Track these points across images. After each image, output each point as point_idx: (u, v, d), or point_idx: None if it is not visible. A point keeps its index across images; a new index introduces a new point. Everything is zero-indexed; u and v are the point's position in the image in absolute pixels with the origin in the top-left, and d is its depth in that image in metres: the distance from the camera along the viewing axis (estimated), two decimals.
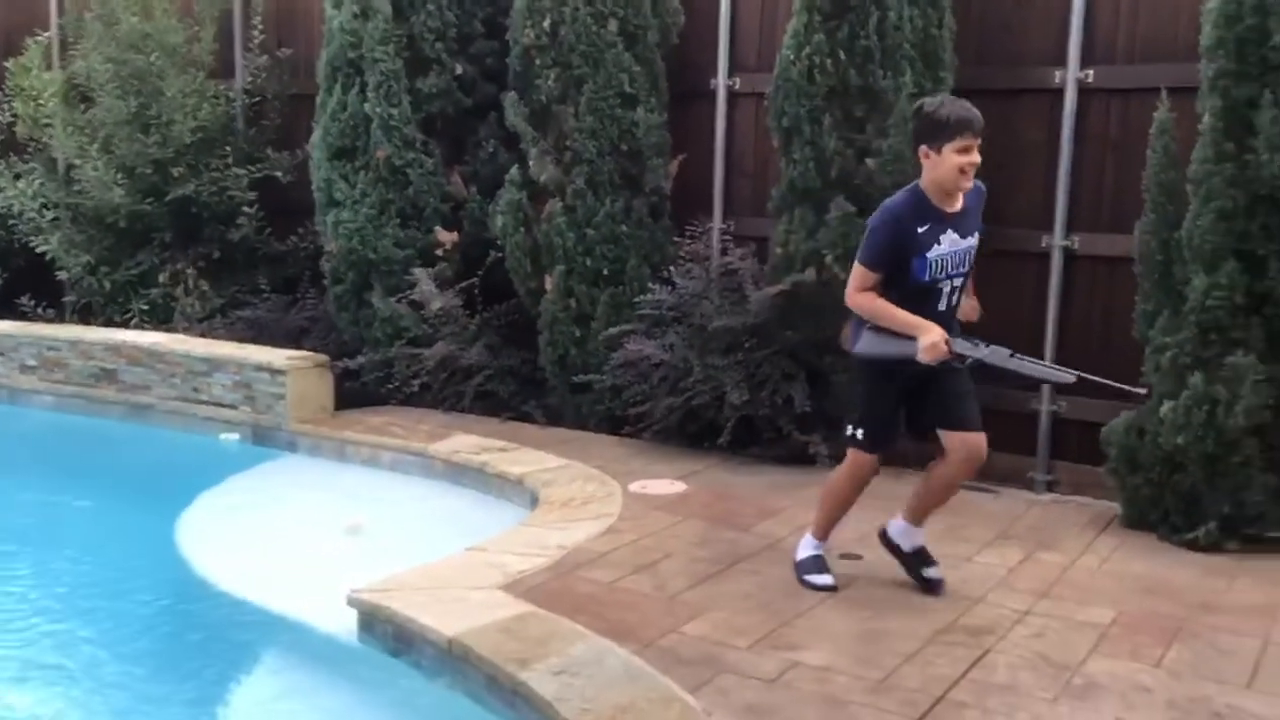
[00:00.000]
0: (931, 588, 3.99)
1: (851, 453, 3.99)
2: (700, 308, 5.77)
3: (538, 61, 6.14)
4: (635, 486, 5.21)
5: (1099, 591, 4.01)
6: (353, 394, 6.63)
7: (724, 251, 6.09)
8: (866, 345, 3.82)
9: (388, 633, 3.72)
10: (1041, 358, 5.56)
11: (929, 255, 3.70)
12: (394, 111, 6.50)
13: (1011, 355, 3.70)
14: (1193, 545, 4.40)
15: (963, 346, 3.70)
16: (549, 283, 6.25)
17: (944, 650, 3.53)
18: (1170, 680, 3.32)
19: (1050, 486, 5.60)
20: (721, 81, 6.31)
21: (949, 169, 3.65)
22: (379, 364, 6.63)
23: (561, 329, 6.22)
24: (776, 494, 5.13)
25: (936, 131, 3.66)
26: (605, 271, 6.12)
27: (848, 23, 5.27)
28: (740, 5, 6.25)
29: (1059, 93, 5.42)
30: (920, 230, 3.68)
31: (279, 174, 7.60)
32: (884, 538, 4.13)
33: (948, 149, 3.63)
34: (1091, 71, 5.34)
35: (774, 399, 5.48)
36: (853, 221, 5.30)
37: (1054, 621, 3.74)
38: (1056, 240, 5.49)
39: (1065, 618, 3.77)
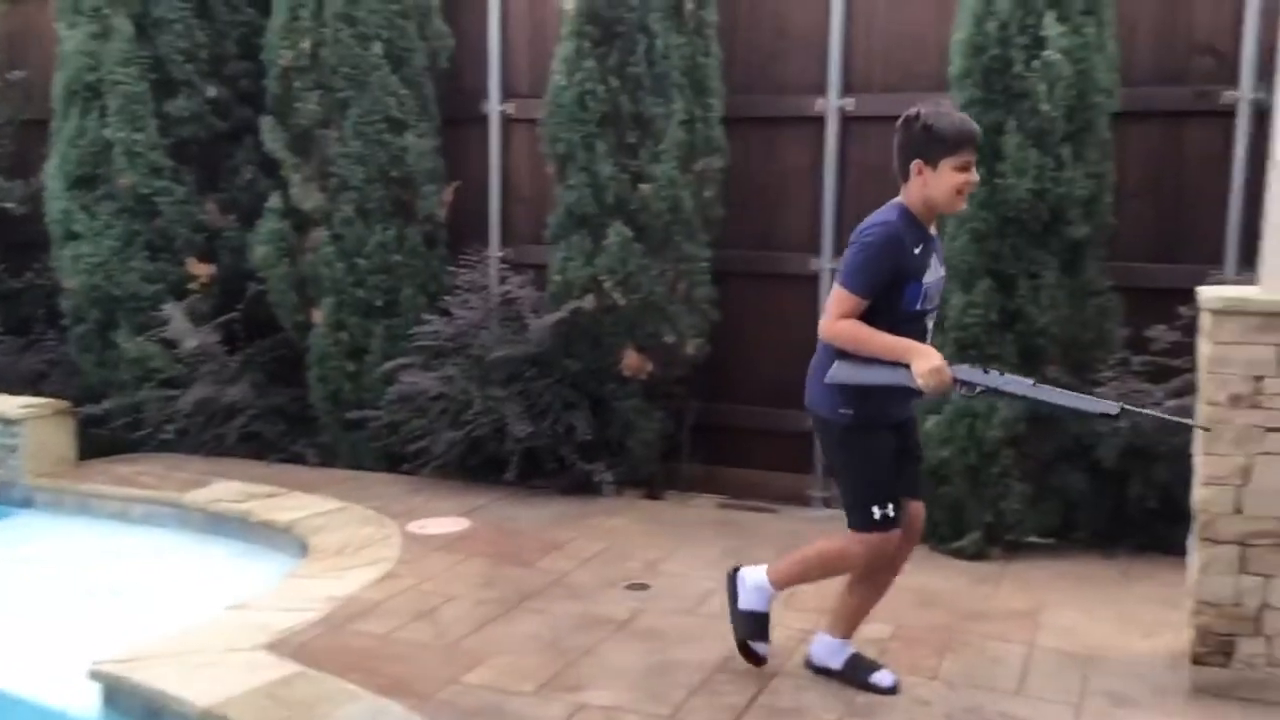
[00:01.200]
0: (889, 691, 3.40)
1: (866, 538, 3.28)
2: (479, 338, 5.61)
3: (297, 84, 5.85)
4: (415, 527, 4.98)
5: (877, 606, 4.07)
6: (99, 442, 6.09)
7: (503, 280, 5.96)
8: (842, 373, 3.18)
9: (135, 707, 3.37)
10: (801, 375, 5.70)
11: (924, 281, 3.20)
12: (138, 137, 6.04)
13: (1035, 384, 3.15)
14: (960, 554, 4.57)
15: (968, 373, 3.14)
16: (318, 316, 5.95)
17: (732, 678, 3.50)
18: (947, 691, 3.39)
19: (827, 503, 5.72)
20: (494, 107, 6.19)
21: (945, 188, 3.17)
22: (128, 408, 6.13)
23: (333, 364, 5.93)
24: (562, 526, 5.02)
25: (934, 145, 3.16)
26: (379, 303, 5.87)
27: (616, 50, 5.26)
28: (510, 30, 6.16)
29: (821, 120, 5.59)
30: (916, 252, 3.18)
31: (11, 205, 6.94)
32: (811, 666, 3.55)
33: (945, 165, 3.15)
34: (852, 100, 5.53)
35: (556, 428, 5.38)
36: (630, 247, 5.28)
37: None
38: (825, 264, 5.64)
39: None
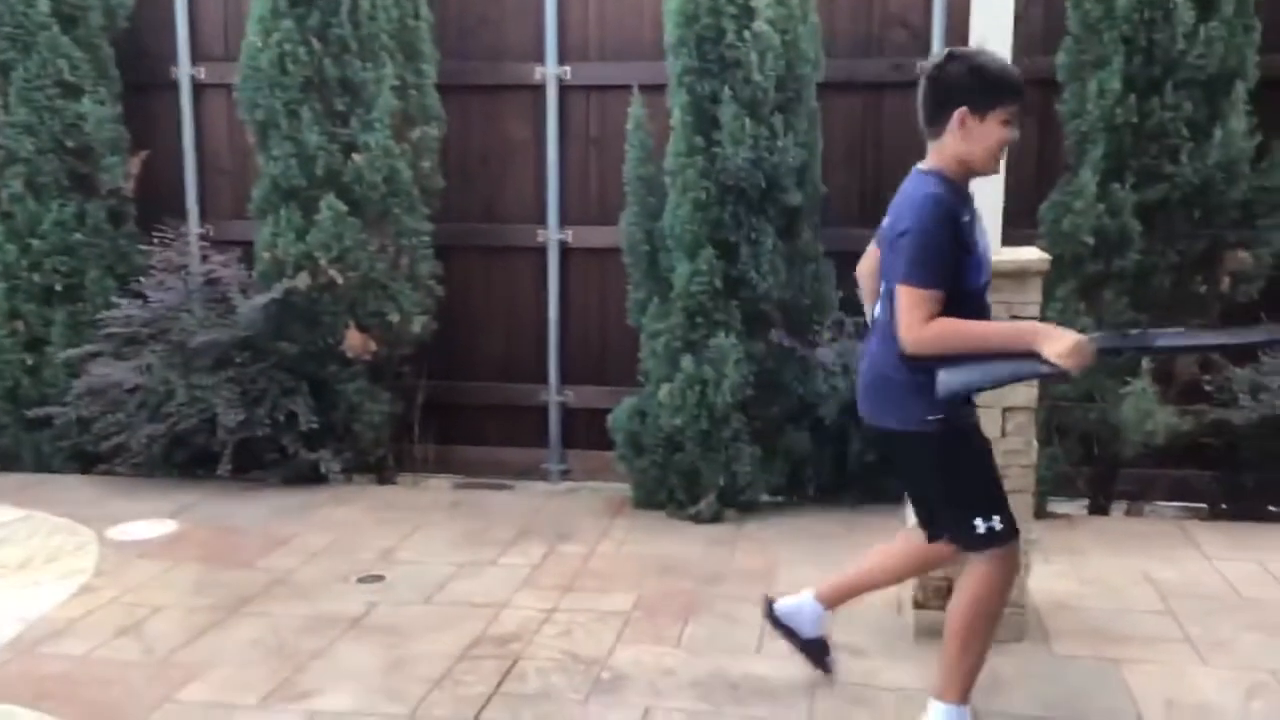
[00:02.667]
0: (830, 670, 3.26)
1: (988, 559, 2.77)
2: (180, 322, 5.14)
3: None
4: (114, 532, 4.51)
5: (619, 577, 4.06)
6: None
7: (204, 258, 5.48)
8: (957, 380, 2.64)
9: None
10: (546, 350, 5.63)
11: (979, 252, 2.72)
12: None
13: (1183, 331, 2.78)
14: (698, 519, 4.62)
15: (1110, 339, 2.75)
16: None
17: (473, 666, 3.36)
18: (691, 658, 3.40)
19: (565, 476, 5.68)
20: (184, 71, 5.68)
21: (990, 144, 2.67)
22: None
23: (8, 357, 5.28)
24: (284, 520, 4.69)
25: (984, 92, 2.64)
26: (59, 287, 5.28)
27: (318, 9, 4.92)
28: None
29: (540, 89, 5.47)
30: (965, 220, 2.69)
31: None
32: (773, 616, 3.25)
33: (994, 117, 2.65)
34: (569, 68, 5.44)
35: (274, 416, 5.02)
36: (345, 221, 4.98)
37: (580, 615, 3.71)
38: (551, 235, 5.55)
39: (590, 609, 3.76)
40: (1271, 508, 4.68)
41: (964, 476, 2.76)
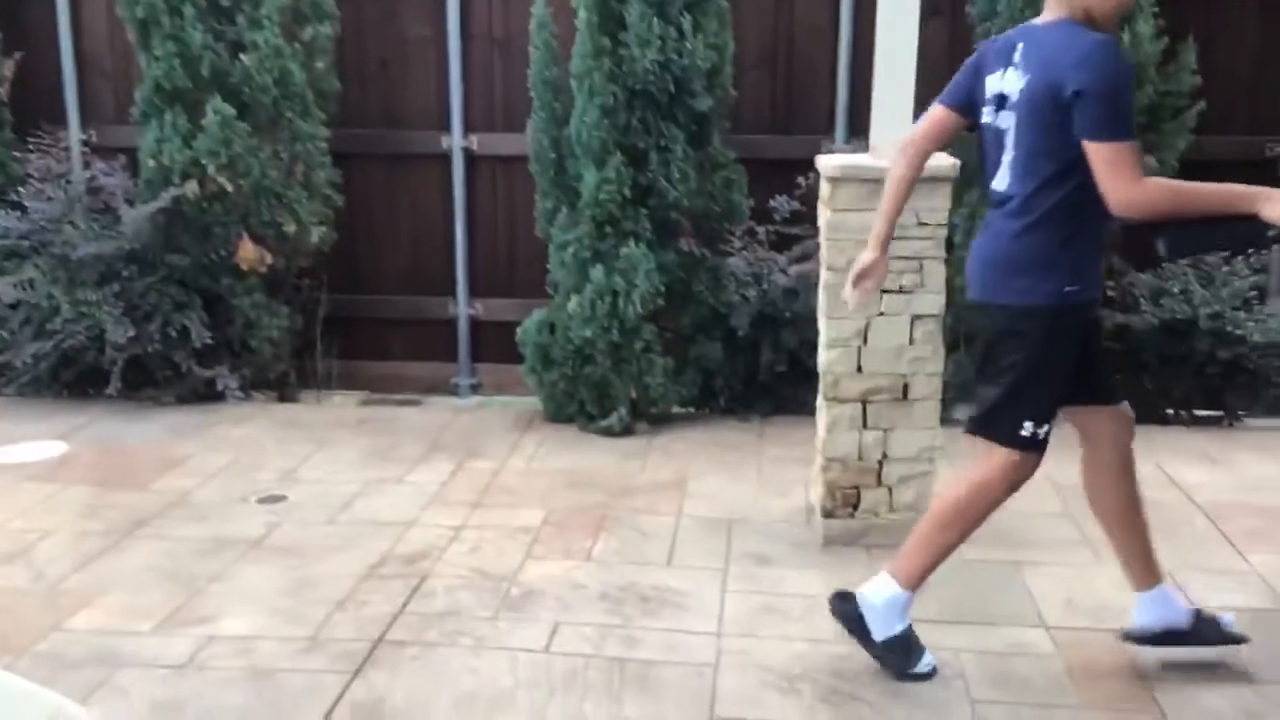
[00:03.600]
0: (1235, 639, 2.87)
1: (1008, 456, 2.66)
2: (62, 234, 4.88)
3: None
4: (0, 455, 4.32)
5: (529, 493, 4.00)
6: None
7: (86, 166, 5.20)
8: (1187, 243, 2.56)
9: None
10: (453, 261, 5.48)
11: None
12: None
13: None
14: (609, 432, 4.57)
15: None
16: None
17: (379, 586, 3.28)
18: (601, 572, 3.37)
19: (475, 390, 5.58)
20: None
21: (1116, 3, 2.47)
22: None
23: None
24: (180, 439, 4.53)
25: None
26: None
27: None
28: None
29: None
30: None
31: None
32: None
33: None
34: None
35: (166, 332, 4.81)
36: (234, 126, 4.72)
37: (489, 532, 3.66)
38: (455, 141, 5.36)
39: (500, 526, 3.70)
40: (1169, 410, 4.79)
41: (1050, 369, 2.58)
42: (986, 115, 2.58)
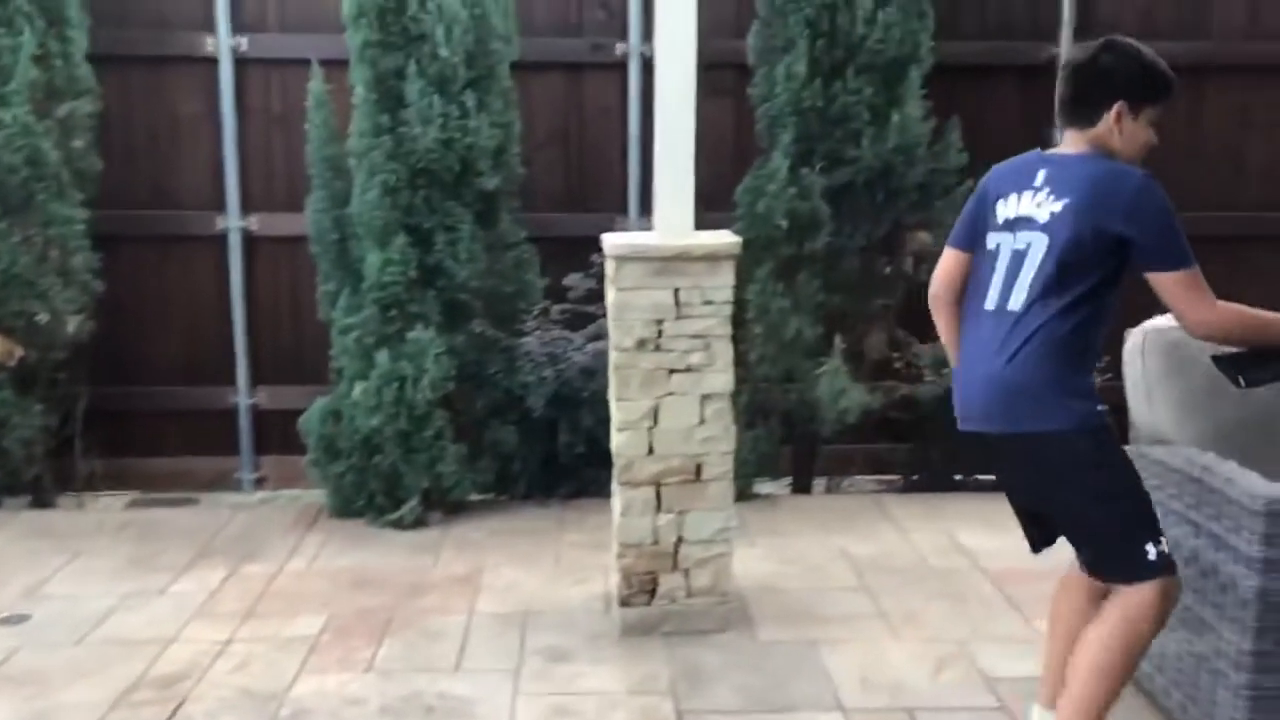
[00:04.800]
0: None
1: (1154, 587, 2.38)
2: None
3: None
4: None
5: (309, 597, 3.73)
6: None
7: None
8: (1266, 374, 2.46)
9: None
10: (233, 348, 5.17)
11: None
12: None
13: None
14: (400, 525, 4.34)
15: None
16: None
17: (129, 716, 2.95)
18: (382, 682, 3.13)
19: (259, 484, 5.24)
20: None
21: (1140, 145, 2.46)
22: None
23: None
24: None
25: (1148, 89, 2.44)
26: None
27: None
28: None
29: (214, 61, 4.98)
30: None
31: None
32: None
33: (1146, 116, 2.45)
34: (245, 39, 4.98)
35: None
36: None
37: (260, 645, 3.36)
38: (233, 222, 5.08)
39: (272, 637, 3.41)
40: (957, 476, 4.91)
41: (1125, 483, 2.42)
42: (994, 239, 2.49)
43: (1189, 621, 2.71)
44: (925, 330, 4.90)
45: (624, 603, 3.45)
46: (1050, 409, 2.37)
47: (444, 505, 4.44)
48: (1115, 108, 2.42)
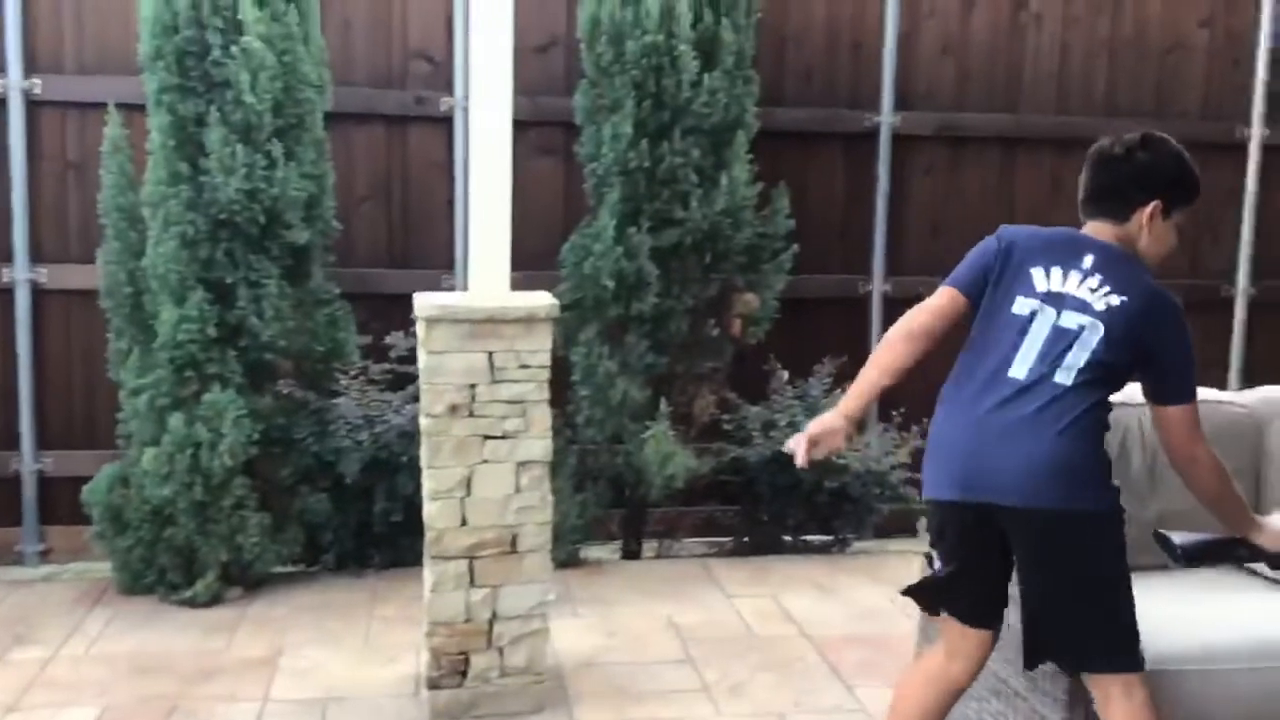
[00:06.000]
0: None
1: (1141, 683, 2.32)
2: None
3: None
4: None
5: (84, 685, 3.38)
6: None
7: None
8: (1201, 554, 2.49)
9: None
10: (16, 409, 4.74)
11: None
12: None
13: None
14: (194, 603, 4.01)
15: None
16: None
17: None
18: None
19: (44, 557, 4.79)
20: None
21: (1165, 248, 2.45)
22: None
23: None
24: None
25: (1182, 191, 2.44)
26: None
27: None
28: None
29: (3, 103, 4.61)
30: None
31: None
32: None
33: (1174, 218, 2.44)
34: (39, 81, 4.63)
35: None
36: None
37: None
38: (20, 274, 4.68)
39: None
40: (786, 538, 4.87)
41: (1127, 570, 2.36)
42: (1027, 306, 2.38)
43: (1002, 694, 2.68)
44: (754, 392, 4.92)
45: (433, 685, 3.23)
46: (1097, 489, 2.31)
47: (245, 580, 4.13)
48: (1150, 207, 2.39)
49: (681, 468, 4.43)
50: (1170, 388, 2.36)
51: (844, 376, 4.92)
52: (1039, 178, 5.34)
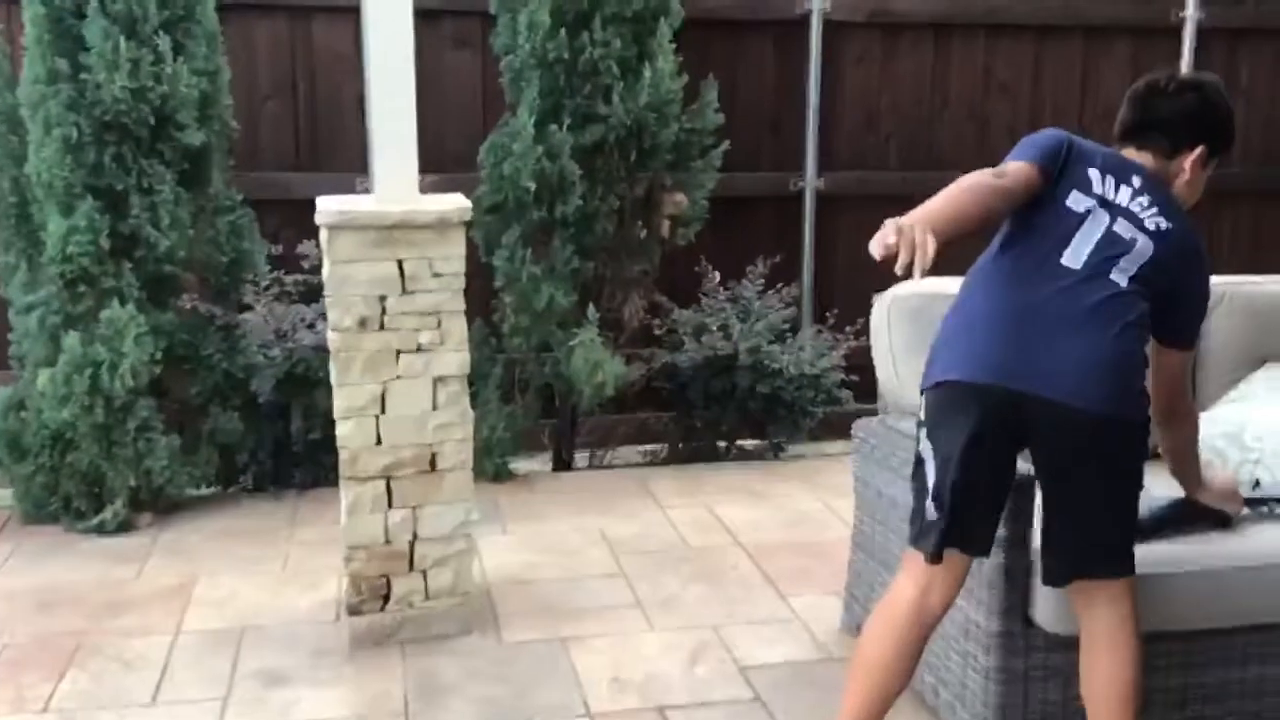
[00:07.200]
0: None
1: (1125, 596, 2.25)
2: None
3: None
4: None
5: None
6: None
7: None
8: (1154, 529, 2.49)
9: None
10: None
11: None
12: None
13: None
14: (102, 530, 3.82)
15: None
16: None
17: None
18: None
19: None
20: None
21: (1195, 198, 2.38)
22: None
23: None
24: None
25: (1223, 140, 2.38)
26: None
27: None
28: None
29: None
30: None
31: None
32: None
33: (1209, 169, 2.38)
34: None
35: None
36: None
37: None
38: None
39: None
40: (720, 444, 4.78)
41: (1135, 489, 2.28)
42: (1084, 203, 2.24)
43: None
44: (686, 295, 4.77)
45: (354, 611, 3.10)
46: (1139, 396, 2.20)
47: (157, 505, 3.94)
48: (1198, 151, 2.33)
49: (612, 375, 4.28)
50: (1183, 328, 2.33)
51: (777, 277, 4.81)
52: (972, 68, 5.17)
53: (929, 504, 2.20)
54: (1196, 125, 2.34)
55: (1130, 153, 2.35)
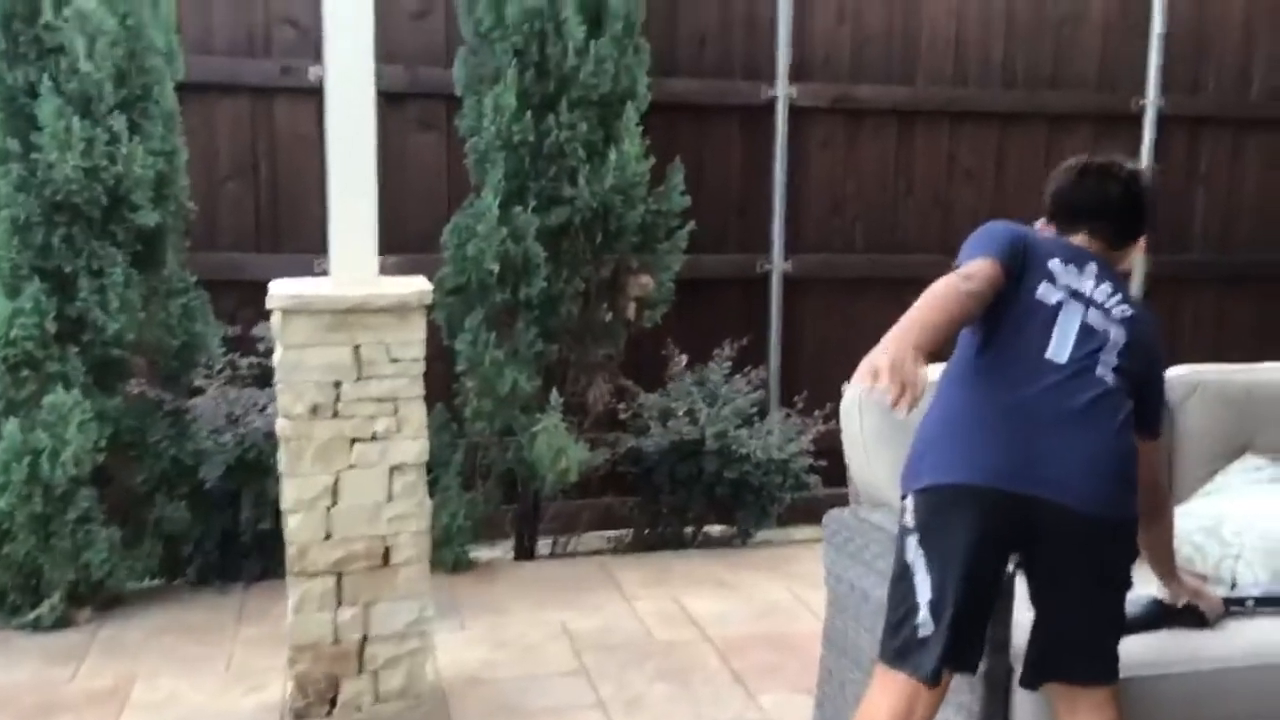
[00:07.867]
0: None
1: (1111, 703, 2.14)
2: None
3: None
4: None
5: None
6: None
7: None
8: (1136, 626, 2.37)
9: None
10: None
11: None
12: None
13: None
14: (37, 626, 3.63)
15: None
16: None
17: None
18: None
19: None
20: None
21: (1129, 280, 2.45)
22: None
23: None
24: None
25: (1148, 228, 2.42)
26: None
27: None
28: None
29: None
30: None
31: None
32: None
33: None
34: None
35: None
36: None
37: None
38: None
39: None
40: (687, 530, 4.67)
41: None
42: (1054, 295, 2.18)
43: None
44: (651, 379, 4.68)
45: (299, 715, 2.95)
46: (1134, 496, 2.13)
47: (96, 600, 3.76)
48: (1142, 240, 2.37)
49: (575, 460, 4.17)
50: (1154, 416, 2.31)
51: (744, 359, 4.74)
52: (936, 153, 5.19)
53: (922, 618, 2.04)
54: (1145, 215, 2.36)
55: (1080, 239, 2.31)
